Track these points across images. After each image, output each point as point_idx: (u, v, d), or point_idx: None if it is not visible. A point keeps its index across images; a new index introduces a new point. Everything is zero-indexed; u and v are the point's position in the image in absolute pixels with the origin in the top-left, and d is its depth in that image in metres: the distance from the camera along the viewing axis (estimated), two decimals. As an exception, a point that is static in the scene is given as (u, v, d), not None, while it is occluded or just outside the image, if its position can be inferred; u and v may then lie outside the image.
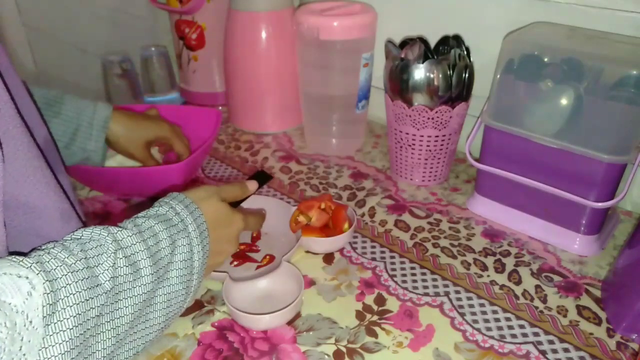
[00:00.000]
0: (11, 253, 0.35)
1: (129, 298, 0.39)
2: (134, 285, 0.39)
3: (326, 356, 0.50)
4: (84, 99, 0.65)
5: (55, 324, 0.32)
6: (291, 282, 0.57)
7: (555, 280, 0.60)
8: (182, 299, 0.45)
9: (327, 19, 0.78)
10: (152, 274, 0.41)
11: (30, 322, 0.31)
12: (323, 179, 0.81)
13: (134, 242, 0.40)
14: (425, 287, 0.59)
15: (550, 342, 0.52)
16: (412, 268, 0.62)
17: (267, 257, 0.63)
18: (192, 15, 0.98)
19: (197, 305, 0.57)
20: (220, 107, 1.06)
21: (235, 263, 0.62)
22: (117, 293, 0.38)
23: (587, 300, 0.57)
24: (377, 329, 0.53)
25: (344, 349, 0.51)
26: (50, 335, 0.32)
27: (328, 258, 0.64)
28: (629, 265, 0.55)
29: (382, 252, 0.65)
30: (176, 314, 0.46)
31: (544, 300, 0.57)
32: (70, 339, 0.33)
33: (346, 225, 0.65)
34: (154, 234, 0.43)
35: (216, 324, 0.54)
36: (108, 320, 0.37)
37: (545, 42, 0.63)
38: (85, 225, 0.47)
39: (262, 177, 0.64)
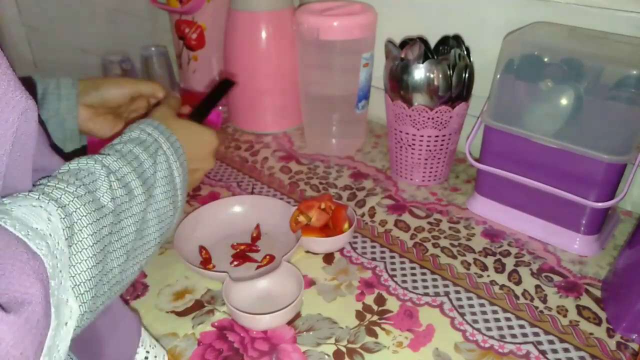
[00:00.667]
0: None
1: (129, 217, 0.41)
2: (131, 205, 0.42)
3: (326, 356, 0.50)
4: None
5: (76, 244, 0.35)
6: (291, 282, 0.57)
7: (555, 280, 0.60)
8: (171, 215, 0.47)
9: (327, 19, 0.78)
10: (144, 193, 0.43)
11: (58, 243, 0.33)
12: (323, 179, 0.81)
13: (121, 166, 0.43)
14: (425, 287, 0.59)
15: (550, 342, 0.52)
16: (412, 268, 0.62)
17: (267, 257, 0.63)
18: (192, 15, 0.98)
19: (197, 305, 0.57)
20: (220, 107, 1.06)
21: (236, 263, 0.62)
22: (119, 213, 0.40)
23: (587, 300, 0.57)
24: (377, 329, 0.53)
25: (344, 349, 0.51)
26: (75, 254, 0.35)
27: (328, 258, 0.64)
28: (629, 265, 0.55)
29: (382, 252, 0.65)
30: (168, 230, 0.48)
31: (544, 300, 0.57)
32: (93, 254, 0.36)
33: (346, 225, 0.65)
34: (135, 157, 0.45)
35: (216, 324, 0.54)
36: (117, 238, 0.40)
37: (545, 42, 0.63)
38: None
39: (225, 85, 0.62)
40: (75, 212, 0.36)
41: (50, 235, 0.32)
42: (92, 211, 0.37)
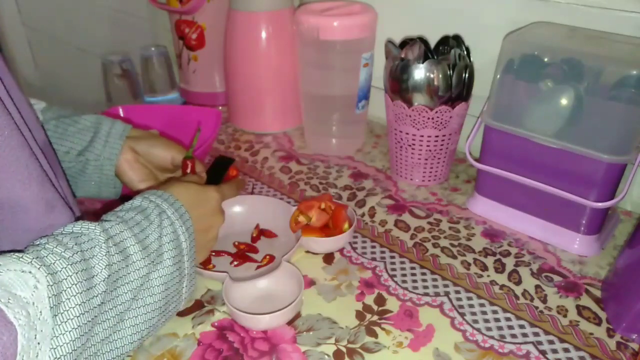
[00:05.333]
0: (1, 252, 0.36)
1: (125, 284, 0.40)
2: (128, 271, 0.41)
3: (326, 356, 0.50)
4: (103, 116, 0.62)
5: (62, 313, 0.34)
6: (291, 282, 0.57)
7: (555, 280, 0.60)
8: (177, 282, 0.46)
9: (327, 19, 0.78)
10: (144, 259, 0.42)
11: (41, 312, 0.32)
12: (323, 179, 0.81)
13: (121, 230, 0.42)
14: (425, 287, 0.59)
15: (550, 342, 0.52)
16: (412, 268, 0.62)
17: (267, 257, 0.63)
18: (192, 15, 0.98)
19: (197, 305, 0.57)
20: (220, 107, 1.06)
21: (236, 263, 0.62)
22: (115, 280, 0.39)
23: (587, 300, 0.57)
24: (377, 329, 0.53)
25: (344, 349, 0.51)
26: (59, 325, 0.34)
27: (328, 258, 0.64)
28: (629, 265, 0.55)
29: (382, 252, 0.65)
30: (177, 299, 0.47)
31: (544, 300, 0.57)
32: (78, 326, 0.35)
33: (346, 225, 0.65)
34: (137, 223, 0.44)
35: (216, 324, 0.54)
36: (111, 307, 0.39)
37: (545, 42, 0.63)
38: (71, 209, 0.48)
39: (223, 163, 0.63)
40: (66, 279, 0.35)
41: (33, 303, 0.31)
42: (83, 280, 0.36)
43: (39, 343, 0.31)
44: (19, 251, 0.35)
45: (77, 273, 0.36)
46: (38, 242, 0.37)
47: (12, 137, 0.39)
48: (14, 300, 0.30)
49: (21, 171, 0.40)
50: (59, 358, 0.33)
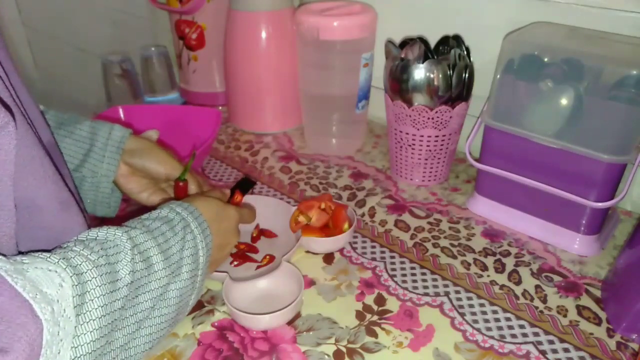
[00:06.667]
0: (21, 252, 0.36)
1: (146, 292, 0.41)
2: (149, 280, 0.41)
3: (326, 356, 0.50)
4: (99, 122, 0.60)
5: (84, 314, 0.34)
6: (291, 282, 0.57)
7: (555, 280, 0.60)
8: (189, 294, 0.47)
9: (327, 19, 0.78)
10: (165, 269, 0.43)
11: (64, 310, 0.33)
12: (323, 179, 0.81)
13: (146, 240, 0.43)
14: (425, 287, 0.59)
15: (550, 342, 0.52)
16: (412, 268, 0.62)
17: (267, 257, 0.63)
18: (192, 15, 0.99)
19: (197, 305, 0.57)
20: (220, 107, 1.06)
21: (236, 263, 0.62)
22: (137, 287, 0.40)
23: (587, 300, 0.57)
24: (377, 329, 0.53)
25: (344, 349, 0.51)
26: (82, 324, 0.34)
27: (328, 258, 0.64)
28: (629, 265, 0.55)
29: (382, 252, 0.65)
30: (184, 310, 0.47)
31: (544, 300, 0.57)
32: (99, 327, 0.35)
33: (346, 225, 0.65)
34: (162, 233, 0.45)
35: (216, 324, 0.54)
36: (132, 313, 0.39)
37: (545, 42, 0.63)
38: (84, 212, 0.48)
39: (246, 184, 0.64)
40: (90, 281, 0.35)
41: (57, 301, 0.32)
42: (107, 282, 0.37)
43: (61, 340, 0.32)
44: (47, 251, 0.36)
45: (101, 275, 0.36)
46: (65, 245, 0.38)
47: (27, 136, 0.39)
48: (40, 296, 0.31)
49: (37, 169, 0.40)
50: (79, 357, 0.34)
